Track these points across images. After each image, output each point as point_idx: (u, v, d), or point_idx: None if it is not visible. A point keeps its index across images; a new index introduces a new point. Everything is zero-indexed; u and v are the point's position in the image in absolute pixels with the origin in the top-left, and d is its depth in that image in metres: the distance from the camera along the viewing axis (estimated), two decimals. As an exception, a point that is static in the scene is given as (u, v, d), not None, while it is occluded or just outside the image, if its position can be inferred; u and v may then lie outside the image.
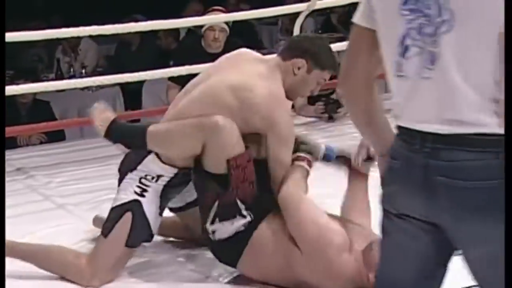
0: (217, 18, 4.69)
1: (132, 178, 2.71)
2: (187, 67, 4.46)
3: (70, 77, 5.91)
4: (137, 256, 2.85)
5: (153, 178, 2.69)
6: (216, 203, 2.59)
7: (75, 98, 5.59)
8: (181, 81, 4.67)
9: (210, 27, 4.71)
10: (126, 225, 2.67)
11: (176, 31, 6.25)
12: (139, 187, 2.69)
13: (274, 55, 2.80)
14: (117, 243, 2.68)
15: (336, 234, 2.48)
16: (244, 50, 2.87)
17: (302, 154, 2.69)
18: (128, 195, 2.70)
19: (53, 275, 2.74)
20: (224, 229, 2.59)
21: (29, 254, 2.75)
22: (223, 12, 4.81)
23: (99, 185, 3.76)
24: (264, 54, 5.45)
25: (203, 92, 2.68)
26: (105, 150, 3.98)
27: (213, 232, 2.60)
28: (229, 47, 4.78)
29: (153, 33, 5.97)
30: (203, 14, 4.85)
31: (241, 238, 2.58)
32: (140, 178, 2.69)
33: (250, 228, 2.58)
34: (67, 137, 5.17)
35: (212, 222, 2.59)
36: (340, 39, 5.94)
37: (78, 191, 3.78)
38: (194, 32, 5.55)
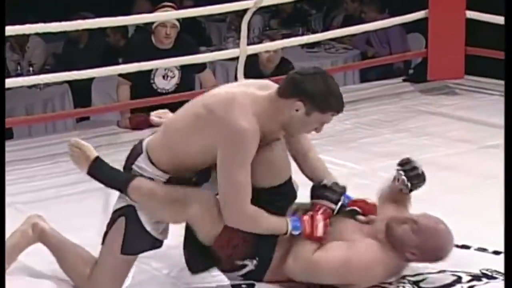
0: (166, 15, 4.74)
1: None
2: (136, 64, 4.51)
3: (18, 75, 5.91)
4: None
5: (151, 178, 2.60)
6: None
7: (22, 96, 5.59)
8: (131, 77, 4.74)
9: (161, 23, 4.76)
10: (119, 231, 2.59)
11: (124, 28, 6.29)
12: None
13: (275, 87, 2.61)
14: (111, 251, 2.61)
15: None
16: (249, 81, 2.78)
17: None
18: (122, 201, 2.63)
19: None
20: (233, 275, 2.63)
21: (56, 246, 2.75)
22: (174, 8, 4.87)
23: (47, 183, 3.78)
24: (212, 51, 5.58)
25: (184, 108, 2.68)
26: (54, 148, 4.01)
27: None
28: (179, 43, 4.88)
29: (101, 30, 5.98)
30: (153, 11, 4.90)
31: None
32: None
33: (261, 267, 2.61)
34: (15, 136, 5.17)
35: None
36: (286, 36, 6.09)
37: (27, 190, 3.79)
38: (144, 28, 5.60)
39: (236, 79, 4.92)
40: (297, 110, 2.49)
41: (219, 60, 5.81)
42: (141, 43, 5.00)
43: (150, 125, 4.69)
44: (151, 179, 2.57)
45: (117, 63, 5.07)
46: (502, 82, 5.54)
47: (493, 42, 5.39)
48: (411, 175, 2.70)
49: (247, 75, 4.86)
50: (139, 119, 4.75)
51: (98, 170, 2.65)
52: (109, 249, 2.62)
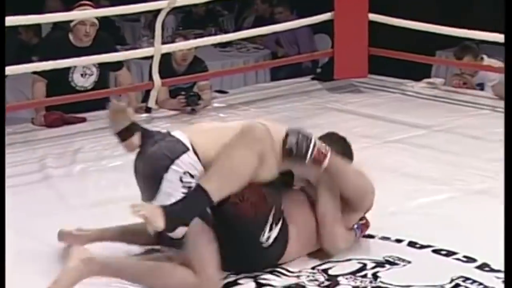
0: (83, 13, 4.79)
1: (172, 181, 2.55)
2: (52, 62, 4.54)
3: None
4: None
5: (191, 175, 2.56)
6: (273, 210, 2.66)
7: None
8: (47, 75, 4.76)
9: (81, 21, 4.82)
10: (196, 226, 2.52)
11: (37, 26, 6.26)
12: (184, 187, 2.55)
13: None
14: (200, 245, 2.53)
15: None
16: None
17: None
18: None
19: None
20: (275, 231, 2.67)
21: (138, 276, 2.59)
22: (92, 7, 4.93)
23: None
24: (127, 49, 5.63)
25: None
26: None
27: (268, 238, 2.66)
28: (97, 41, 4.94)
29: (13, 28, 5.94)
30: (70, 9, 4.94)
31: (283, 231, 2.70)
32: (181, 178, 2.55)
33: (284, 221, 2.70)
34: None
35: (270, 229, 2.65)
36: (199, 36, 6.19)
37: None
38: (60, 26, 5.61)
39: (150, 77, 5.02)
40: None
41: (134, 59, 5.87)
42: (58, 41, 5.01)
43: (65, 122, 4.82)
44: (192, 176, 2.55)
45: (31, 61, 5.09)
46: (403, 80, 5.89)
47: (394, 44, 5.67)
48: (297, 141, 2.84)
49: (161, 74, 4.97)
50: (54, 117, 4.78)
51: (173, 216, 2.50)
52: (202, 244, 2.54)
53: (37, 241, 3.03)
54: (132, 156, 2.75)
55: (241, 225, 2.61)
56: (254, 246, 2.63)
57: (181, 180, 2.53)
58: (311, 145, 2.68)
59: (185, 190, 2.52)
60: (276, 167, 2.69)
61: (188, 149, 2.59)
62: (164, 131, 2.78)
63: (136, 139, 2.69)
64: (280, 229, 2.67)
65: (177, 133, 2.67)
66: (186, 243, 2.53)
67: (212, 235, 2.57)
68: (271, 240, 2.65)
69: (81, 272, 2.52)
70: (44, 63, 4.60)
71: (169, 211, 2.46)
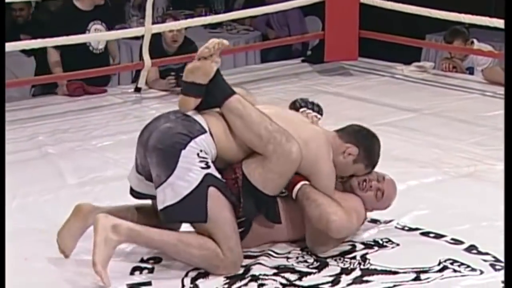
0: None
1: (188, 157, 2.53)
2: (66, 37, 4.68)
3: None
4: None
5: (207, 153, 2.57)
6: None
7: None
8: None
9: None
10: (218, 199, 2.55)
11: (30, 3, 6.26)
12: (202, 161, 2.54)
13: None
14: (223, 220, 2.55)
15: None
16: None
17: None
18: (197, 174, 2.52)
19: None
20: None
21: (164, 244, 2.58)
22: None
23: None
24: (117, 29, 5.63)
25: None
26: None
27: None
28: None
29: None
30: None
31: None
32: (198, 154, 2.54)
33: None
34: None
35: None
36: (189, 16, 6.18)
37: None
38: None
39: (140, 57, 5.01)
40: (349, 154, 2.78)
41: (124, 39, 5.86)
42: (66, 10, 5.18)
43: (87, 92, 4.99)
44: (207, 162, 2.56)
45: (19, 39, 5.10)
46: (392, 64, 5.89)
47: (384, 27, 5.67)
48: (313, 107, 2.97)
49: (151, 54, 4.96)
50: (75, 86, 4.96)
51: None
52: (219, 217, 2.55)
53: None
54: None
55: None
56: None
57: (198, 155, 2.54)
58: None
59: (202, 164, 2.53)
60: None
61: (205, 131, 2.59)
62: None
63: (196, 102, 2.64)
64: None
65: (196, 116, 2.64)
66: (208, 217, 2.53)
67: (232, 210, 2.58)
68: None
69: (112, 241, 2.50)
70: (55, 39, 4.68)
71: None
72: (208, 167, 2.55)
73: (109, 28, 5.20)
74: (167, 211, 2.54)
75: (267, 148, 2.58)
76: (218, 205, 2.55)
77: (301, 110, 2.94)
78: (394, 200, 2.92)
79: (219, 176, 2.59)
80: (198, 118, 2.63)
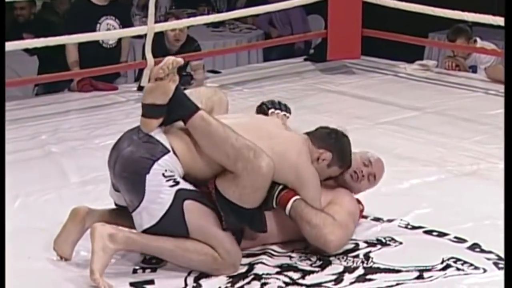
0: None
1: (154, 180, 2.52)
2: (83, 34, 4.79)
3: None
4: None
5: (172, 171, 2.55)
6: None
7: None
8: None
9: None
10: (196, 210, 2.55)
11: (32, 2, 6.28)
12: (169, 180, 2.54)
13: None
14: (208, 227, 2.56)
15: None
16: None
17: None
18: (168, 194, 2.52)
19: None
20: None
21: (162, 250, 2.58)
22: None
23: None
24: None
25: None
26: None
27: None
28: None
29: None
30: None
31: None
32: (163, 174, 2.53)
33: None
34: None
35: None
36: (192, 15, 6.17)
37: None
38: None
39: (143, 56, 5.01)
40: (323, 160, 2.79)
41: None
42: (82, 7, 5.24)
43: (96, 88, 5.06)
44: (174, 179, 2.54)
45: (22, 38, 5.10)
46: (395, 62, 5.89)
47: (387, 25, 5.67)
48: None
49: (154, 53, 4.96)
50: (84, 82, 5.05)
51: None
52: (204, 227, 2.56)
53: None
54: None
55: None
56: None
57: (163, 176, 2.53)
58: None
59: (171, 183, 2.53)
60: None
61: (168, 151, 2.57)
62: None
63: (158, 122, 2.62)
64: None
65: (159, 136, 2.61)
66: (189, 230, 2.54)
67: (214, 214, 2.58)
68: None
69: (109, 250, 2.52)
70: (66, 36, 4.75)
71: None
72: (177, 183, 2.54)
73: (122, 24, 5.23)
74: (147, 232, 2.56)
75: (237, 166, 2.55)
76: (197, 215, 2.55)
77: (270, 111, 2.96)
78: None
79: (192, 187, 2.58)
80: (161, 138, 2.59)
